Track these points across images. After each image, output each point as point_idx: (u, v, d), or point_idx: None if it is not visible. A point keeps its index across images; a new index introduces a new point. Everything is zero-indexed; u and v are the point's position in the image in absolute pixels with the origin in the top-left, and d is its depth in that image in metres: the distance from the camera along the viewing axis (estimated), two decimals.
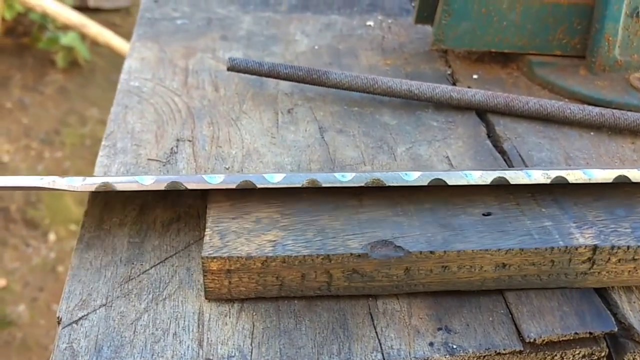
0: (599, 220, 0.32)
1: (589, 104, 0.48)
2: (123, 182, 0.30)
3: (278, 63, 0.45)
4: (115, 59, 2.42)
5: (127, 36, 2.64)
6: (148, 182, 0.30)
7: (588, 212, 0.32)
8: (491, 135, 0.44)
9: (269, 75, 0.45)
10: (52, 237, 1.98)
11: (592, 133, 0.45)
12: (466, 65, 0.51)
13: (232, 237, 0.30)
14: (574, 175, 0.32)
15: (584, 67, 0.50)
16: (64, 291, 0.31)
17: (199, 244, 0.33)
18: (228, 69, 0.45)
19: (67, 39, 2.37)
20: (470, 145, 0.42)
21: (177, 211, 0.35)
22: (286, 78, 0.45)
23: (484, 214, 0.32)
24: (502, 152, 0.42)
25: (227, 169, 0.39)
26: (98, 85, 2.53)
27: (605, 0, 0.47)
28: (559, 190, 0.34)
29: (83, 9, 2.75)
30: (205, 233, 0.30)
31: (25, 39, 2.66)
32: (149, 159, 0.39)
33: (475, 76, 0.50)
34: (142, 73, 0.48)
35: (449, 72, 0.51)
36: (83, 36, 2.28)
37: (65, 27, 2.23)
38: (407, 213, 0.32)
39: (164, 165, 0.39)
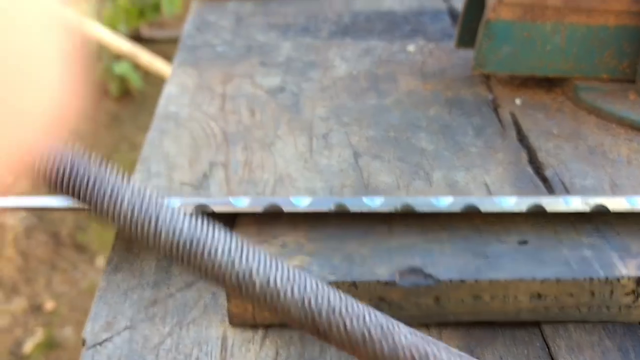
0: None
1: (638, 129, 0.46)
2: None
3: None
4: None
5: None
6: (175, 205, 0.30)
7: (632, 242, 0.31)
8: (533, 161, 0.42)
9: None
10: (99, 261, 2.03)
11: None
12: (509, 91, 0.50)
13: None
14: (616, 203, 0.31)
15: (633, 92, 0.48)
16: (90, 313, 0.31)
17: None
18: None
19: (120, 68, 2.46)
20: (510, 172, 0.41)
21: None
22: None
23: (519, 242, 0.31)
24: (544, 180, 0.40)
25: (259, 193, 0.39)
26: (149, 113, 2.61)
27: None
28: (601, 219, 0.32)
29: (136, 39, 2.84)
30: None
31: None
32: (182, 183, 0.39)
33: (517, 101, 0.49)
34: (180, 98, 0.48)
35: (490, 98, 0.49)
36: (135, 66, 2.35)
37: (118, 57, 2.31)
38: (439, 240, 0.31)
39: (196, 189, 0.39)
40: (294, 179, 0.40)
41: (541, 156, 0.43)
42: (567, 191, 0.39)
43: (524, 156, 0.43)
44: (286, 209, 0.30)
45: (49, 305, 1.81)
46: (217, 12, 0.63)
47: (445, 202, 0.31)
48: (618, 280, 0.28)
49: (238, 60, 0.54)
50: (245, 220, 0.32)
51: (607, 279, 0.28)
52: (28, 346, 1.55)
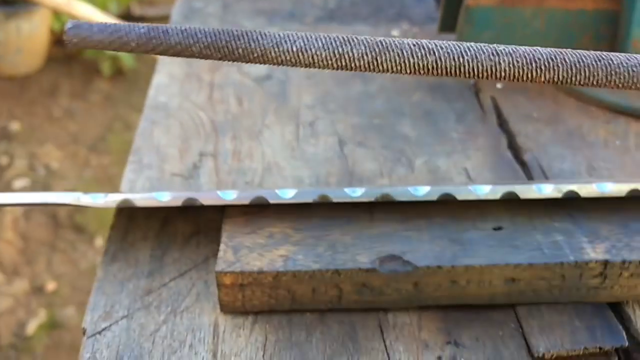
0: (612, 234, 0.31)
1: (617, 111, 0.47)
2: (142, 199, 0.32)
3: (161, 28, 0.28)
4: None
5: None
6: (165, 198, 0.32)
7: (602, 225, 0.32)
8: (512, 145, 0.44)
9: (139, 50, 0.27)
10: (98, 241, 2.04)
11: (617, 142, 0.44)
12: None
13: (245, 252, 0.31)
14: (586, 189, 0.32)
15: None
16: (88, 302, 0.32)
17: (217, 258, 0.34)
18: (69, 45, 0.28)
19: None
20: (490, 157, 0.42)
21: (197, 224, 0.36)
22: (178, 53, 0.27)
23: (494, 228, 0.32)
24: (523, 164, 0.42)
25: (247, 183, 0.40)
26: (142, 91, 2.61)
27: (631, 6, 0.46)
28: (574, 204, 0.33)
29: (128, 17, 2.82)
30: (220, 248, 0.31)
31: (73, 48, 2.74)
32: (172, 174, 0.41)
33: (499, 85, 0.50)
34: (170, 88, 0.49)
35: (472, 82, 0.51)
36: None
37: None
38: (418, 227, 0.32)
39: (186, 180, 0.40)
40: (282, 168, 0.41)
41: (520, 140, 0.44)
42: (544, 175, 0.41)
43: (503, 141, 0.44)
44: (272, 200, 0.32)
45: (50, 286, 1.83)
46: None
47: (423, 191, 0.32)
48: (586, 263, 0.30)
49: None
50: (234, 211, 0.33)
51: (576, 262, 0.30)
52: (31, 327, 1.58)
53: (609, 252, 0.30)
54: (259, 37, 0.28)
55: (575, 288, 0.31)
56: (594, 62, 0.27)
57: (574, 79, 0.27)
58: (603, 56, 0.28)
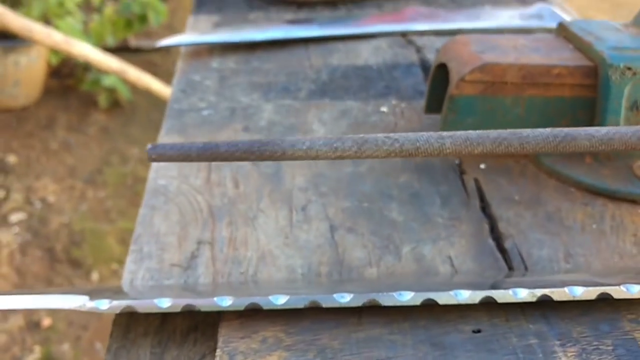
0: (583, 337, 0.34)
1: (594, 193, 0.50)
2: (144, 306, 0.34)
3: (212, 143, 0.39)
4: (155, 99, 2.52)
5: (166, 75, 2.74)
6: (166, 305, 0.34)
7: (573, 327, 0.34)
8: (494, 231, 0.46)
9: (200, 159, 0.39)
10: (95, 276, 2.06)
11: (594, 226, 0.47)
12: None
13: (239, 358, 0.33)
14: (559, 294, 0.34)
15: (589, 156, 0.52)
16: None
17: (212, 356, 0.36)
18: (149, 160, 0.39)
19: (109, 80, 2.48)
20: (472, 244, 0.45)
21: (195, 319, 0.38)
22: (226, 159, 0.38)
23: (474, 331, 0.34)
24: (503, 251, 0.44)
25: (242, 273, 0.42)
26: (139, 124, 2.64)
27: (605, 94, 0.49)
28: (547, 304, 0.36)
29: (124, 49, 2.86)
30: (216, 354, 0.33)
31: (70, 80, 2.78)
32: (171, 264, 0.43)
33: (482, 166, 0.53)
34: (169, 170, 0.52)
35: (457, 162, 0.53)
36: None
37: (107, 72, 2.33)
38: (402, 331, 0.34)
39: (184, 271, 0.42)
40: (276, 257, 0.44)
41: (502, 226, 0.46)
42: (524, 263, 0.43)
43: (485, 227, 0.46)
44: (265, 307, 0.34)
45: (46, 321, 1.84)
46: (201, 71, 0.66)
47: (407, 297, 0.34)
48: None
49: (222, 125, 0.58)
50: (230, 314, 0.35)
51: None
52: None
53: (580, 356, 0.33)
54: (280, 142, 0.39)
55: None
56: (509, 136, 0.39)
57: (496, 150, 0.39)
58: (517, 132, 0.39)
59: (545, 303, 0.36)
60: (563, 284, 0.35)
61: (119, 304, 0.34)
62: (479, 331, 0.34)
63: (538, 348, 0.33)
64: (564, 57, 0.51)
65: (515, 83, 0.49)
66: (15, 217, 2.19)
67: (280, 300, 0.34)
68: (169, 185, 0.50)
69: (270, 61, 0.68)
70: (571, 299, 0.35)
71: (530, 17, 0.79)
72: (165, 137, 0.56)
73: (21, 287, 1.98)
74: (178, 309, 0.34)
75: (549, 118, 0.51)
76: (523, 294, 0.34)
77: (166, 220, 0.47)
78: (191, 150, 0.38)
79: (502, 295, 0.34)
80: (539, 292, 0.34)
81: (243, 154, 0.38)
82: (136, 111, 2.65)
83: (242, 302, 0.34)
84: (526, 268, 0.43)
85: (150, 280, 0.42)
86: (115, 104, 2.57)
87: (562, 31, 0.55)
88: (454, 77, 0.49)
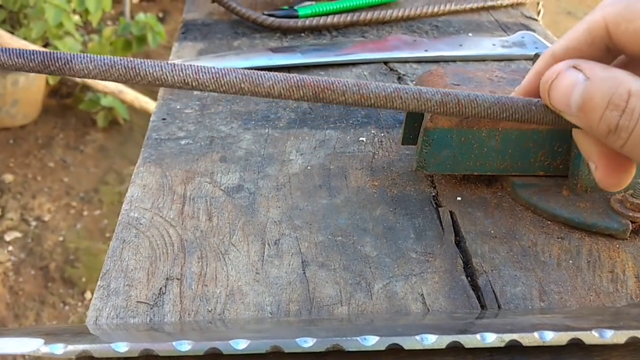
0: None
1: (571, 226, 0.49)
2: (101, 350, 0.33)
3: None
4: None
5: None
6: (123, 349, 0.33)
7: None
8: (468, 266, 0.46)
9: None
10: (88, 295, 2.04)
11: (570, 261, 0.46)
12: (451, 186, 0.53)
13: None
14: (529, 339, 0.34)
15: (566, 188, 0.51)
16: None
17: None
18: None
19: (107, 99, 2.48)
20: (445, 281, 0.44)
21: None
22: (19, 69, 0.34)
23: None
24: (476, 288, 0.44)
25: (210, 311, 0.41)
26: (136, 143, 2.64)
27: None
28: (517, 349, 0.35)
29: None
30: None
31: (68, 100, 2.79)
32: (138, 301, 0.42)
33: (459, 198, 0.52)
34: (143, 202, 0.51)
35: (433, 194, 0.53)
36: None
37: (104, 92, 2.34)
38: None
39: (151, 308, 0.42)
40: (244, 294, 0.43)
41: (476, 262, 0.46)
42: (497, 301, 0.43)
43: (459, 262, 0.46)
44: (225, 351, 0.33)
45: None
46: (182, 100, 0.66)
47: (372, 341, 0.33)
48: None
49: (200, 155, 0.57)
50: (190, 358, 0.35)
51: None
52: None
53: None
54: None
55: None
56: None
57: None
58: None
59: (515, 347, 0.35)
60: (533, 328, 0.34)
61: (74, 349, 0.33)
62: None
63: None
64: None
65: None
66: (10, 236, 2.19)
67: (241, 345, 0.33)
68: (141, 217, 0.50)
69: None
70: (541, 344, 0.34)
71: (512, 44, 0.79)
72: (142, 167, 0.56)
73: (14, 306, 1.96)
74: (135, 354, 0.33)
75: (525, 150, 0.51)
76: (491, 339, 0.34)
77: (136, 255, 0.46)
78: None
79: (469, 340, 0.34)
80: (508, 337, 0.34)
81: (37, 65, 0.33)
82: (133, 130, 2.66)
83: (202, 347, 0.33)
84: (499, 306, 0.42)
85: (116, 318, 0.41)
86: (113, 123, 2.58)
87: None
88: None
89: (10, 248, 2.17)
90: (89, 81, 2.01)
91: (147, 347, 0.33)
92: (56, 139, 2.56)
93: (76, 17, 2.45)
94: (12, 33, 2.08)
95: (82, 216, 2.28)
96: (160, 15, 3.37)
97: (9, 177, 2.41)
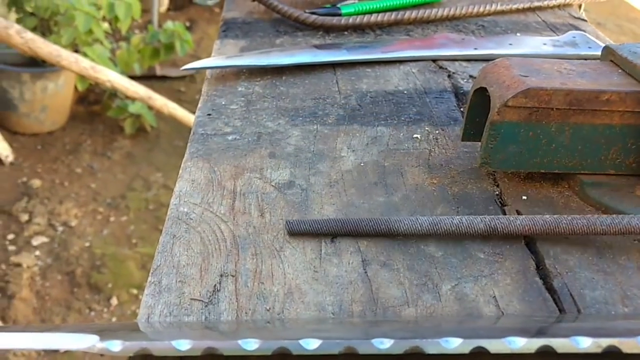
0: None
1: None
2: (161, 348, 0.31)
3: (338, 219, 0.44)
4: (179, 125, 2.52)
5: (190, 102, 2.75)
6: (185, 347, 0.31)
7: None
8: (540, 268, 0.42)
9: (329, 233, 0.44)
10: (114, 301, 2.03)
11: None
12: (515, 184, 0.50)
13: None
14: (628, 345, 0.31)
15: (639, 187, 0.48)
16: None
17: None
18: (289, 234, 0.45)
19: (134, 106, 2.49)
20: (518, 283, 0.41)
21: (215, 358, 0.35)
22: (350, 234, 0.44)
23: None
24: (552, 291, 0.41)
25: (268, 310, 0.39)
26: (163, 150, 2.64)
27: None
28: (614, 356, 0.32)
29: (151, 77, 2.89)
30: None
31: (96, 106, 2.81)
32: (192, 299, 0.40)
33: (524, 197, 0.49)
34: (192, 197, 0.49)
35: (497, 193, 0.50)
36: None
37: (133, 98, 2.35)
38: None
39: (206, 306, 0.39)
40: (304, 293, 0.40)
41: (549, 263, 0.43)
42: (576, 305, 0.39)
43: (531, 264, 0.43)
44: (295, 352, 0.31)
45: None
46: (227, 95, 0.64)
47: (455, 344, 0.31)
48: None
49: (248, 151, 0.55)
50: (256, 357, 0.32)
51: None
52: None
53: None
54: (396, 221, 0.44)
55: None
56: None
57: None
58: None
59: (611, 355, 0.32)
60: (630, 333, 0.31)
61: (132, 346, 0.31)
62: None
63: None
64: (614, 82, 0.47)
65: (561, 109, 0.46)
66: (37, 241, 2.19)
67: (311, 345, 0.31)
68: (191, 212, 0.48)
69: (297, 86, 0.66)
70: None
71: (564, 44, 0.76)
72: (190, 162, 0.54)
73: (40, 311, 1.96)
74: (198, 352, 0.31)
75: (596, 146, 0.48)
76: (586, 344, 0.31)
77: (187, 250, 0.44)
78: (322, 226, 0.44)
79: (562, 345, 0.31)
80: (605, 342, 0.31)
81: (367, 232, 0.44)
82: (160, 138, 2.66)
83: (270, 346, 0.31)
84: (579, 310, 0.39)
85: (169, 316, 0.39)
86: (140, 130, 2.58)
87: (609, 55, 0.51)
88: (495, 102, 0.46)
89: (37, 253, 2.17)
90: (118, 86, 2.01)
91: (211, 345, 0.31)
92: (84, 145, 2.57)
93: (105, 25, 2.46)
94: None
95: (109, 222, 2.28)
96: (188, 24, 3.39)
97: (36, 183, 2.42)
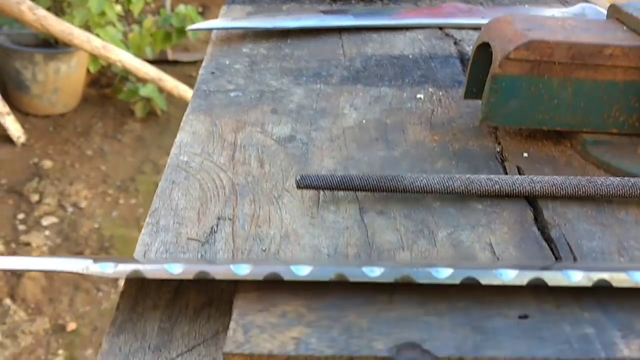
0: None
1: None
2: (153, 271, 0.31)
3: (348, 176, 0.43)
4: None
5: None
6: (177, 270, 0.31)
7: (635, 319, 0.30)
8: (539, 220, 0.42)
9: (339, 188, 0.42)
10: (121, 282, 2.04)
11: None
12: (516, 142, 0.50)
13: (255, 332, 0.29)
14: (619, 279, 0.30)
15: None
16: None
17: (226, 333, 0.33)
18: (297, 187, 0.42)
19: (145, 90, 2.50)
20: (515, 232, 0.41)
21: (209, 295, 0.35)
22: (358, 189, 0.42)
23: (520, 317, 0.30)
24: (549, 240, 0.40)
25: (264, 250, 0.39)
26: (173, 134, 2.64)
27: None
28: (604, 291, 0.32)
29: (162, 61, 2.89)
30: (230, 326, 0.30)
31: (108, 89, 2.82)
32: (188, 238, 0.40)
33: (525, 154, 0.49)
34: (192, 147, 0.49)
35: (498, 150, 0.49)
36: (160, 88, 2.39)
37: (144, 80, 2.35)
38: (439, 312, 0.31)
39: (202, 245, 0.39)
40: (300, 236, 0.40)
41: (547, 215, 0.42)
42: (572, 254, 0.39)
43: (529, 215, 0.42)
44: (286, 277, 0.31)
45: (71, 326, 1.83)
46: (231, 56, 0.64)
47: (445, 274, 0.31)
48: None
49: (250, 107, 0.55)
50: (247, 284, 0.32)
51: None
52: None
53: None
54: (402, 179, 0.43)
55: None
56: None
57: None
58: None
59: (600, 290, 0.32)
60: (622, 270, 0.31)
61: (125, 268, 0.31)
62: (525, 317, 0.30)
63: (595, 339, 0.29)
64: (618, 37, 0.47)
65: (563, 63, 0.46)
66: (47, 221, 2.21)
67: (303, 271, 0.31)
68: (191, 161, 0.48)
69: (302, 48, 0.66)
70: (633, 285, 0.31)
71: (573, 15, 0.75)
72: (191, 116, 0.54)
73: (49, 290, 1.98)
74: (190, 276, 0.31)
75: (599, 104, 0.47)
76: (577, 278, 0.31)
77: (186, 195, 0.44)
78: (332, 181, 0.42)
79: (553, 278, 0.31)
80: (596, 275, 0.30)
81: (374, 187, 0.42)
82: (171, 121, 2.66)
83: (261, 271, 0.31)
84: (575, 259, 0.39)
85: (165, 253, 0.39)
86: (150, 114, 2.59)
87: (615, 13, 0.51)
88: (497, 55, 0.46)
89: (47, 233, 2.19)
90: (129, 66, 2.02)
91: (203, 269, 0.31)
92: (95, 128, 2.58)
93: (118, 7, 2.47)
94: None
95: (118, 204, 2.29)
96: (200, 9, 3.39)
97: (47, 164, 2.44)
